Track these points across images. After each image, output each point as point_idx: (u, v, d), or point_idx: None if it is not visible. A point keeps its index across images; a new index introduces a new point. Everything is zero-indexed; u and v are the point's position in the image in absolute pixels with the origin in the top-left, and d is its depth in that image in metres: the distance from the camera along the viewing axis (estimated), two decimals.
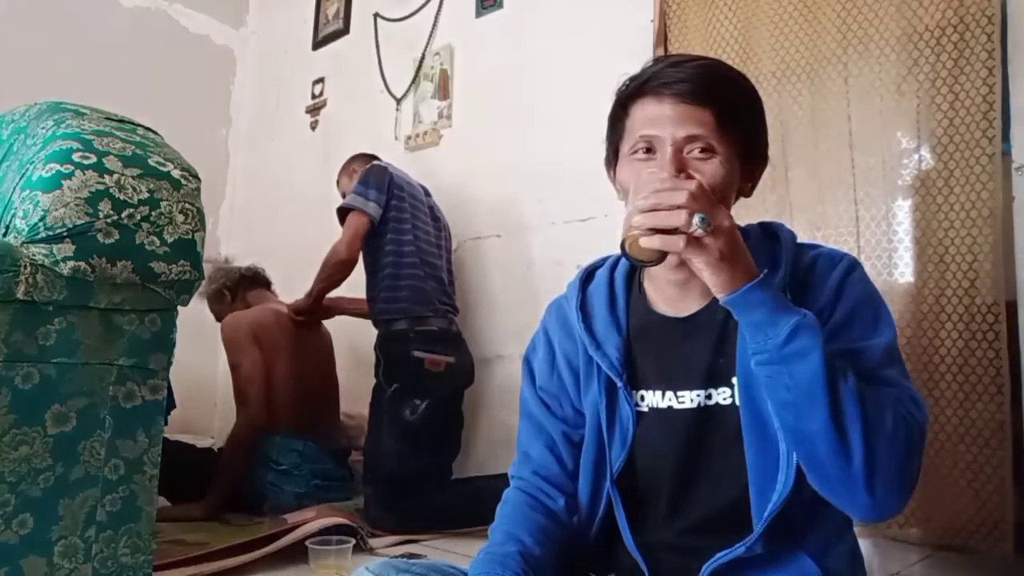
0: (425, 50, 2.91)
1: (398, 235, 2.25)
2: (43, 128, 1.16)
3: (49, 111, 1.23)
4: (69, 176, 1.04)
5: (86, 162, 1.06)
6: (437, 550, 1.82)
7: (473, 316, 2.56)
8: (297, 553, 1.64)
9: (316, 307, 2.42)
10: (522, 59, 2.59)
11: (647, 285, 0.97)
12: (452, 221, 2.56)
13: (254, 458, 2.21)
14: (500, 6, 2.68)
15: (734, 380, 0.87)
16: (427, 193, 2.46)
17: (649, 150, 0.86)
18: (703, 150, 0.84)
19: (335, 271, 2.27)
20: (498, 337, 2.51)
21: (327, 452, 2.35)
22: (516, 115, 2.57)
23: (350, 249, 2.23)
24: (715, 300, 0.82)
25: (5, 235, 1.05)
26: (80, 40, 3.14)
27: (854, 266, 0.89)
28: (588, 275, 1.03)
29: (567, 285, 1.05)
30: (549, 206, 2.42)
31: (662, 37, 2.12)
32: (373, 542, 1.86)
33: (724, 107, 0.85)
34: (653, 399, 0.93)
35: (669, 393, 0.91)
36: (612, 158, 0.94)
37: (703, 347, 0.90)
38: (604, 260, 1.04)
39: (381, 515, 2.02)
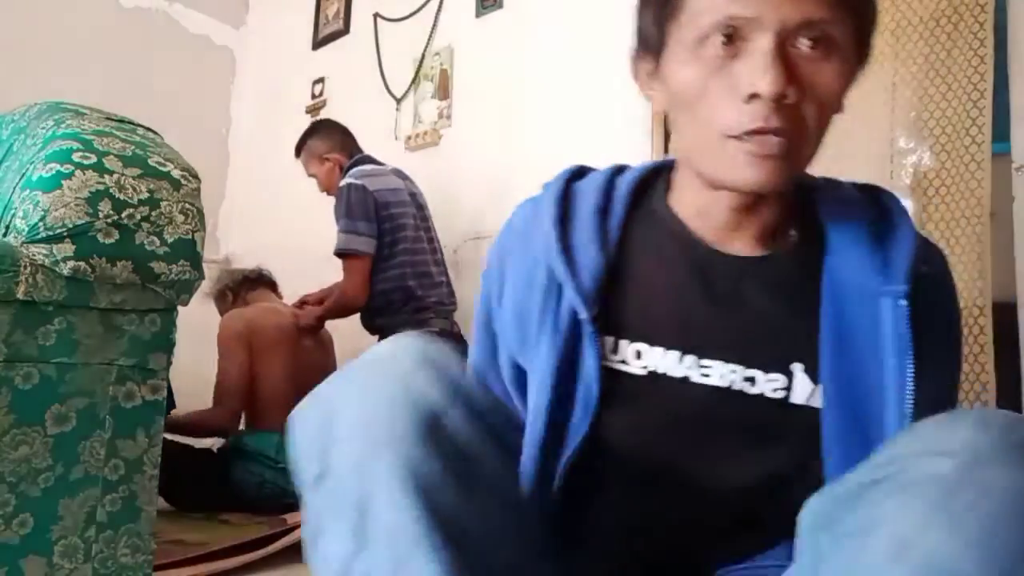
0: (425, 50, 2.90)
1: (390, 259, 2.24)
2: (43, 128, 1.16)
3: (49, 111, 1.23)
4: (69, 176, 1.04)
5: (86, 162, 1.06)
6: None
7: (473, 316, 2.55)
8: (297, 553, 1.64)
9: (321, 325, 2.48)
10: (522, 59, 2.59)
11: (678, 198, 0.69)
12: (452, 221, 2.55)
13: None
14: (500, 6, 2.68)
15: (795, 367, 0.62)
16: (401, 175, 2.41)
17: (731, 38, 0.56)
18: (817, 42, 0.55)
19: (351, 311, 2.30)
20: None
21: None
22: (516, 115, 2.56)
23: (364, 294, 2.23)
24: (788, 248, 0.64)
25: (5, 235, 1.05)
26: (80, 40, 3.14)
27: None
28: (578, 172, 0.76)
29: (543, 185, 0.77)
30: None
31: None
32: None
33: None
34: (661, 360, 0.63)
35: (691, 358, 0.62)
36: (654, 47, 0.63)
37: (762, 307, 0.62)
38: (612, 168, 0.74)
39: None
